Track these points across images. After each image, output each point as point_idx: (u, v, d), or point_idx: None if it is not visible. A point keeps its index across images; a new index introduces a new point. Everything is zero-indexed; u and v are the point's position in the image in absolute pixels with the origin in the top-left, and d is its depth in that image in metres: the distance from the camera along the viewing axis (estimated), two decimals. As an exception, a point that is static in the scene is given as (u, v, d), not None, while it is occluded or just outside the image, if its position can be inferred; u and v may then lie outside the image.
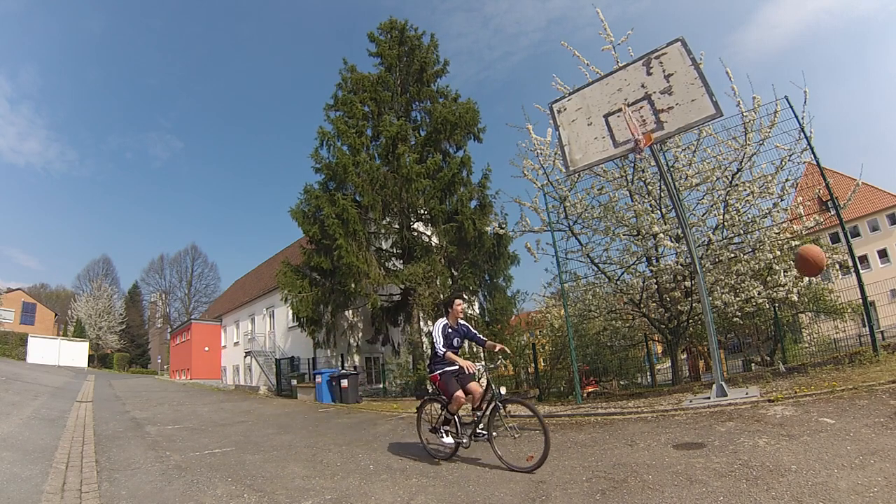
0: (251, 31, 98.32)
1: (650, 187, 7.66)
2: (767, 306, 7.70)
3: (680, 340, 8.60)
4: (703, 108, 5.46)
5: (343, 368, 14.48)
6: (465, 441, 4.43)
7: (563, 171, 6.86)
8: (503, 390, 4.39)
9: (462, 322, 4.85)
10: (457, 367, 4.51)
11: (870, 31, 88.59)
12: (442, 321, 4.73)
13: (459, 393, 4.39)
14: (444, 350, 4.56)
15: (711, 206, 7.37)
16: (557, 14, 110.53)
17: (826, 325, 11.35)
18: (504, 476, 3.86)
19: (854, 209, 26.80)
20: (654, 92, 5.81)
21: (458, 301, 4.84)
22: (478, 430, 4.39)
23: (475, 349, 11.89)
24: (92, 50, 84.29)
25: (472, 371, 4.32)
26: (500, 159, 78.95)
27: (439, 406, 4.75)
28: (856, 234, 28.75)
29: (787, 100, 6.66)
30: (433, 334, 4.70)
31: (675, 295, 7.69)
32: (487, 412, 4.30)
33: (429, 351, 14.88)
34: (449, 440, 4.49)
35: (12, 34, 72.85)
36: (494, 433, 4.30)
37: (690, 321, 7.85)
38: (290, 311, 17.15)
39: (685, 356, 12.25)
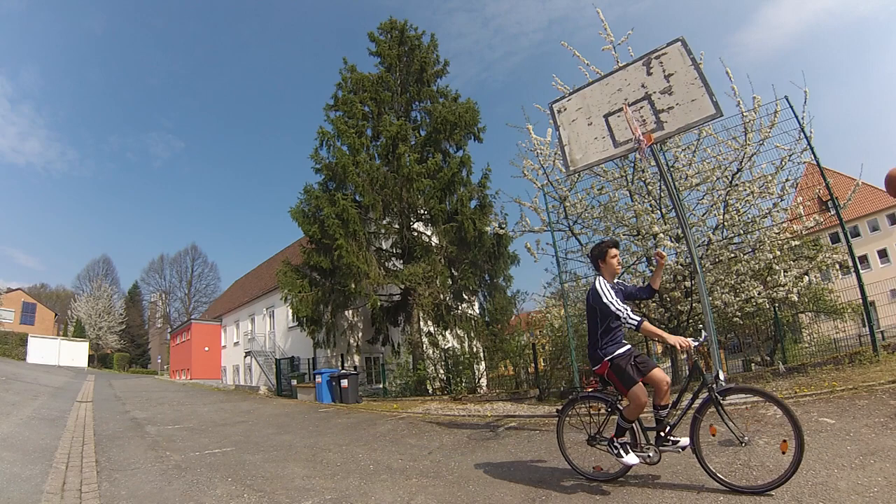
0: (252, 31, 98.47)
1: (650, 187, 7.66)
2: (767, 306, 7.70)
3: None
4: (703, 108, 5.45)
5: (343, 368, 14.48)
6: (651, 455, 3.13)
7: (563, 171, 6.84)
8: (722, 376, 3.00)
9: (617, 280, 3.49)
10: (628, 347, 3.23)
11: (870, 32, 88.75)
12: (602, 279, 3.33)
13: (641, 388, 3.11)
14: (639, 319, 3.09)
15: (711, 206, 7.37)
16: (558, 14, 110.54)
17: (826, 325, 11.36)
18: (505, 475, 3.85)
19: (854, 209, 26.82)
20: (655, 92, 5.80)
21: (612, 250, 3.43)
22: (669, 438, 3.12)
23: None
24: (93, 50, 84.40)
25: (685, 349, 2.95)
26: (500, 159, 79.01)
27: (604, 407, 3.46)
28: (856, 234, 28.78)
29: (788, 100, 6.67)
30: (601, 297, 3.18)
31: (675, 295, 7.69)
32: (693, 409, 3.02)
33: (428, 351, 15.02)
34: (631, 458, 3.10)
35: (13, 34, 72.99)
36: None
37: (690, 321, 7.85)
38: (290, 311, 17.16)
39: (685, 356, 12.23)
